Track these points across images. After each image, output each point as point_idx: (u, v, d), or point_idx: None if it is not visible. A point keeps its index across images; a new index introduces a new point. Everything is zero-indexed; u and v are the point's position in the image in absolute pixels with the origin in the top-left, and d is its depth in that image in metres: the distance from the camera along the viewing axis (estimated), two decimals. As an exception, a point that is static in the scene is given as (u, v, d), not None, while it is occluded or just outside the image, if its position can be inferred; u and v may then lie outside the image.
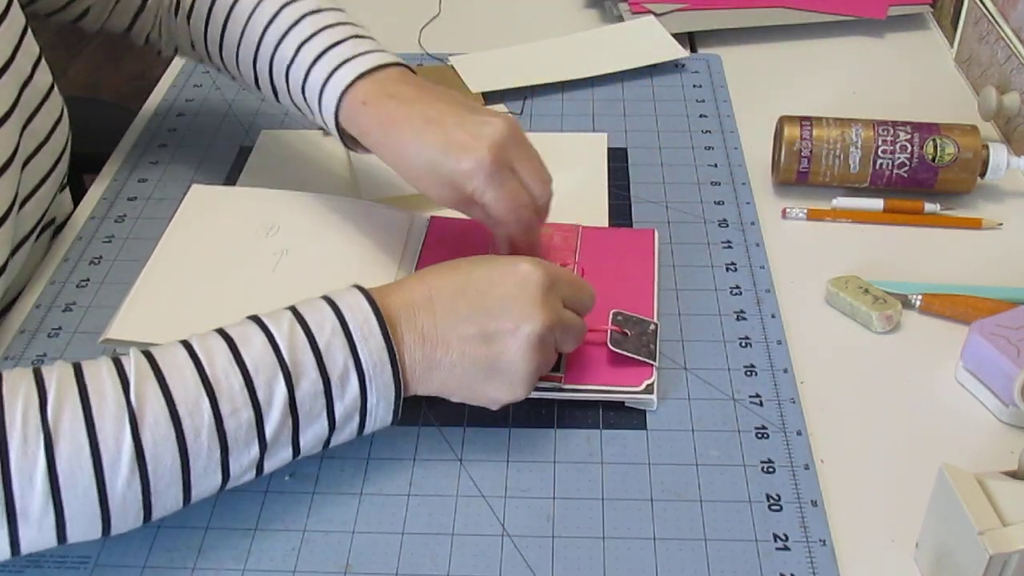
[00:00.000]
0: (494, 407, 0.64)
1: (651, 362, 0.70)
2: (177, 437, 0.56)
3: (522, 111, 1.01)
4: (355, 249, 0.78)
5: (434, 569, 0.60)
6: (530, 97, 1.02)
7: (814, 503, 0.63)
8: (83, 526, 0.56)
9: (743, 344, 0.74)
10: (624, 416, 0.69)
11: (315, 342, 0.59)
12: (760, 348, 0.74)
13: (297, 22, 0.76)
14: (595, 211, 0.86)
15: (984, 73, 1.00)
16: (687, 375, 0.72)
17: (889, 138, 0.86)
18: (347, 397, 0.60)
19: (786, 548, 0.61)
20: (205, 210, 0.82)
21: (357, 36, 0.76)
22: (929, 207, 0.86)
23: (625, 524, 0.62)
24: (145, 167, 0.95)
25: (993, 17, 0.98)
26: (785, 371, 0.72)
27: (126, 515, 0.57)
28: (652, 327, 0.72)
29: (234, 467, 0.59)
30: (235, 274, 0.76)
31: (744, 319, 0.76)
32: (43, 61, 0.81)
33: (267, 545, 0.62)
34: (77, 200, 0.91)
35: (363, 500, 0.64)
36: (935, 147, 0.85)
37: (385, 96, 0.72)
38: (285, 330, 0.59)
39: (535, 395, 0.68)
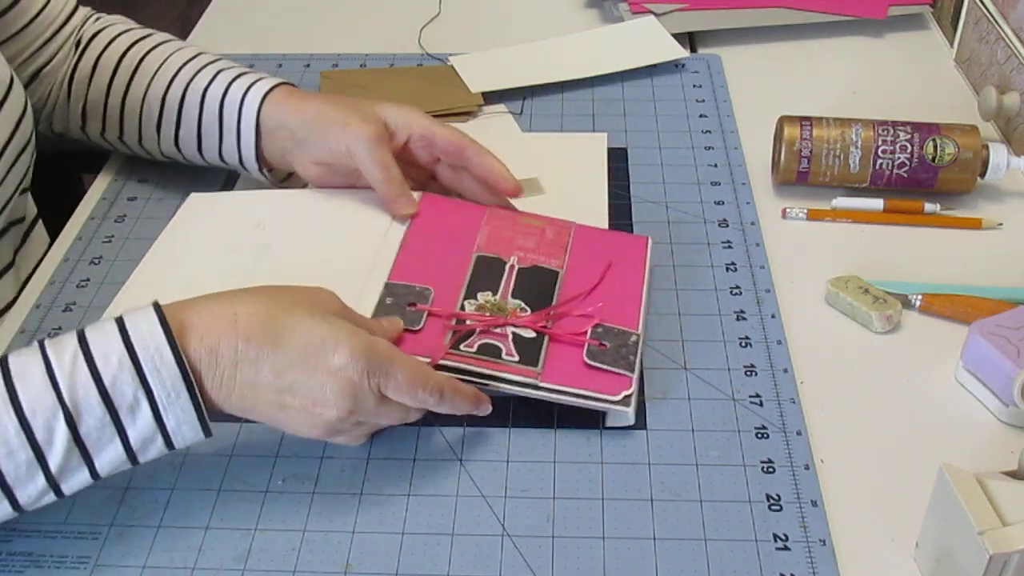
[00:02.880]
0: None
1: (628, 374, 0.67)
2: None
3: (522, 111, 1.01)
4: (340, 238, 0.78)
5: (434, 569, 0.60)
6: (530, 97, 1.02)
7: (814, 503, 0.63)
8: None
9: (743, 344, 0.74)
10: (624, 416, 0.69)
11: (99, 377, 0.57)
12: (760, 348, 0.74)
13: (215, 60, 0.87)
14: (595, 211, 0.86)
15: (984, 73, 1.00)
16: (687, 375, 0.72)
17: (889, 138, 0.86)
18: (140, 423, 0.58)
19: (786, 548, 0.61)
20: (200, 216, 0.82)
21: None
22: (929, 207, 0.86)
23: (625, 524, 0.62)
24: (145, 167, 0.94)
25: (993, 17, 0.98)
26: (785, 371, 0.72)
27: None
28: (634, 338, 0.69)
29: (22, 497, 0.58)
30: (223, 271, 0.75)
31: (744, 319, 0.76)
32: (16, 83, 0.81)
33: (267, 545, 0.62)
34: (77, 200, 0.91)
35: (363, 500, 0.64)
36: (935, 147, 0.85)
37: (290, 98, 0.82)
38: (67, 364, 0.57)
39: (507, 390, 0.67)
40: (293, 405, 0.60)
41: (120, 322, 0.59)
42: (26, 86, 0.87)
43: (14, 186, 0.82)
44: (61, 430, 0.56)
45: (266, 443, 0.68)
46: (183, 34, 1.19)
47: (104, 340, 0.58)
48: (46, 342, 0.58)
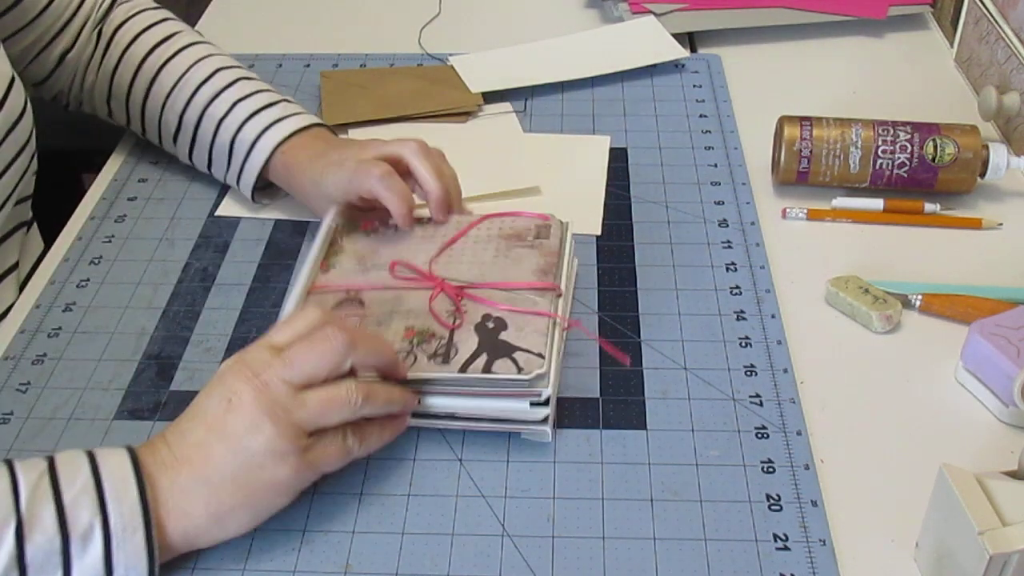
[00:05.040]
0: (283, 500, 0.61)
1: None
2: None
3: (523, 111, 1.01)
4: None
5: (434, 569, 0.60)
6: (530, 97, 1.02)
7: (814, 503, 0.63)
8: None
9: (743, 344, 0.74)
10: (624, 416, 0.69)
11: (60, 494, 0.55)
12: (760, 348, 0.74)
13: (233, 83, 0.87)
14: (590, 214, 0.86)
15: (984, 73, 1.00)
16: (687, 375, 0.72)
17: (889, 138, 0.86)
18: (88, 558, 0.55)
19: (786, 548, 0.61)
20: None
21: (285, 100, 0.87)
22: (929, 207, 0.86)
23: (625, 524, 0.62)
24: (145, 167, 0.94)
25: (993, 17, 0.98)
26: (785, 371, 0.72)
27: None
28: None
29: None
30: None
31: (744, 319, 0.76)
32: (17, 83, 0.81)
33: (267, 545, 0.62)
34: (77, 200, 0.91)
35: (363, 500, 0.64)
36: (935, 147, 0.85)
37: (304, 149, 0.83)
38: (33, 478, 0.56)
39: (436, 425, 0.67)
40: (244, 448, 0.58)
41: (89, 452, 0.58)
42: (52, 71, 0.90)
43: (10, 188, 0.81)
44: (8, 542, 0.54)
45: (266, 443, 0.68)
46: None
47: (72, 463, 0.57)
48: (14, 461, 0.57)
